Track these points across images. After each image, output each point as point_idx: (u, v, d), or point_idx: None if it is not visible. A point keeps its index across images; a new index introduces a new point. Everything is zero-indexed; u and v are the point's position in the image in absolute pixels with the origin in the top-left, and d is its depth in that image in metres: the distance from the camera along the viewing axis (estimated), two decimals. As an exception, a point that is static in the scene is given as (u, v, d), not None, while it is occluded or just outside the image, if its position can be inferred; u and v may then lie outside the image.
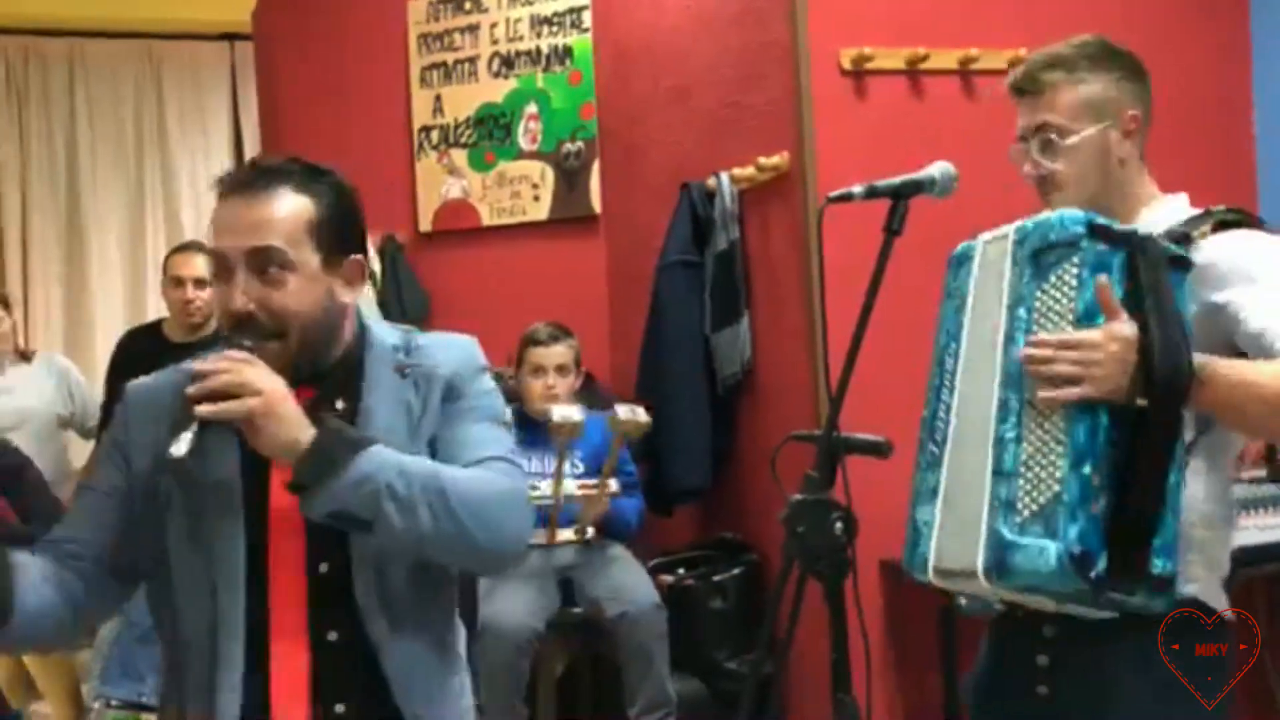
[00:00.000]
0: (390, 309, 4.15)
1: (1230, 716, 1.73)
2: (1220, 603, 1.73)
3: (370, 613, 1.53)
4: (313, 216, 1.54)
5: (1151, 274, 1.54)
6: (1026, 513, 1.51)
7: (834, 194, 1.68)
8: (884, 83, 3.16)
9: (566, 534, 3.45)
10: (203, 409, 1.41)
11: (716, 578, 3.50)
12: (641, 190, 4.06)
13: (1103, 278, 1.52)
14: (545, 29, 4.27)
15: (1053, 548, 1.47)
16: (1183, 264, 1.59)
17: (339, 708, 1.53)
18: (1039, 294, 1.57)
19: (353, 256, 1.59)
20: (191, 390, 1.42)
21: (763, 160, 3.30)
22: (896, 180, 1.69)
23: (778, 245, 3.39)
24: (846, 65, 3.12)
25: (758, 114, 3.41)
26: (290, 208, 1.52)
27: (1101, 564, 1.48)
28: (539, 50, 4.27)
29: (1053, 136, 1.76)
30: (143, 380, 1.66)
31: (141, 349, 3.94)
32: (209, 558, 1.52)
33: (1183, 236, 1.70)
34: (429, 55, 4.33)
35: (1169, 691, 1.64)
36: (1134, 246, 1.55)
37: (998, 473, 1.55)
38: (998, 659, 1.83)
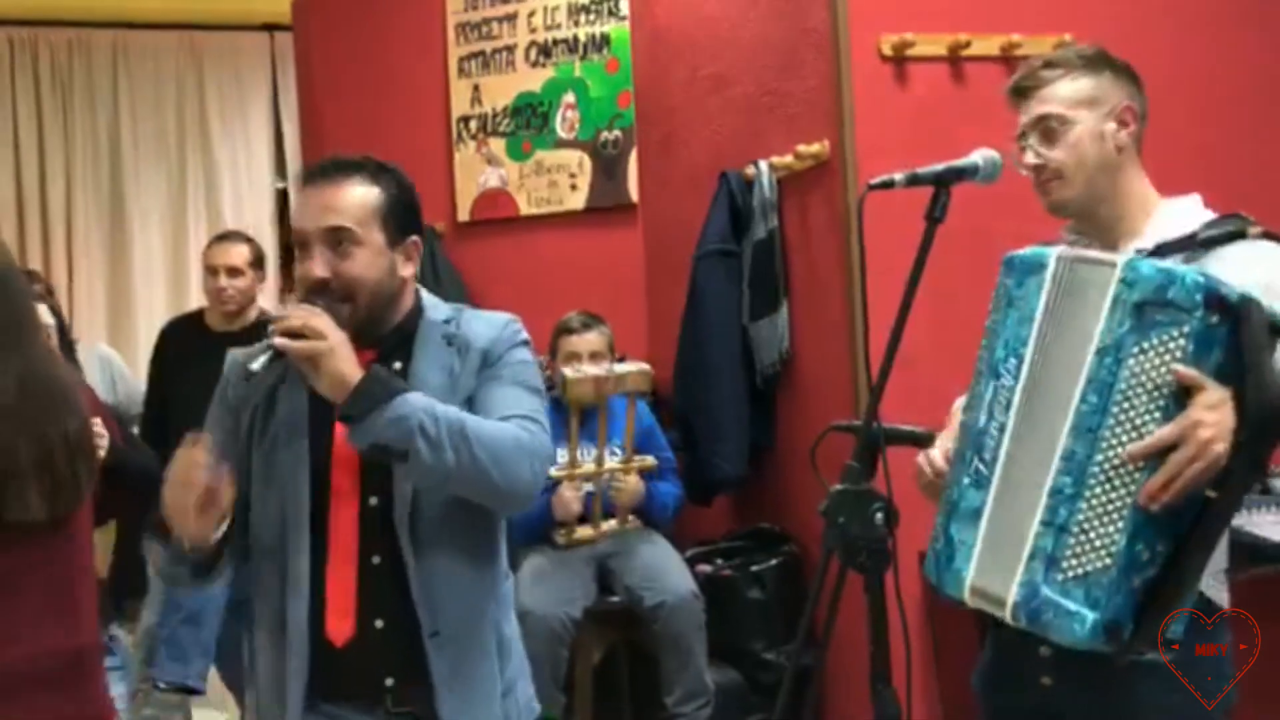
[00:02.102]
0: (428, 298, 4.17)
1: (1233, 710, 1.75)
2: (1221, 596, 1.77)
3: (404, 540, 1.77)
4: (379, 203, 1.82)
5: (1255, 346, 1.51)
6: (1071, 574, 1.53)
7: (875, 181, 1.66)
8: (925, 69, 3.12)
9: (611, 524, 3.45)
10: (279, 340, 1.69)
11: (754, 568, 3.48)
12: (679, 179, 4.05)
13: (1182, 369, 1.49)
14: (582, 17, 4.26)
15: (1090, 617, 1.51)
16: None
17: (378, 622, 1.79)
18: (1136, 351, 1.52)
19: (411, 237, 1.87)
20: (274, 325, 1.71)
21: (802, 148, 3.28)
22: (939, 167, 1.68)
23: (817, 234, 3.37)
24: (887, 52, 3.09)
25: (797, 102, 3.38)
26: (361, 195, 1.81)
27: (1127, 633, 1.52)
28: (576, 39, 4.27)
29: (1053, 125, 1.84)
30: (239, 350, 1.90)
31: (183, 338, 3.97)
32: (280, 490, 1.81)
33: (1238, 234, 1.73)
34: (467, 45, 4.34)
35: (1170, 683, 1.66)
36: (1242, 315, 1.51)
37: (1047, 523, 1.56)
38: (1002, 650, 1.86)
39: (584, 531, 3.39)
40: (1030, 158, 1.86)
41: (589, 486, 3.38)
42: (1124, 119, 1.86)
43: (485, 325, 1.88)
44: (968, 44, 3.10)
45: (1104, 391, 1.53)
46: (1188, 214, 1.84)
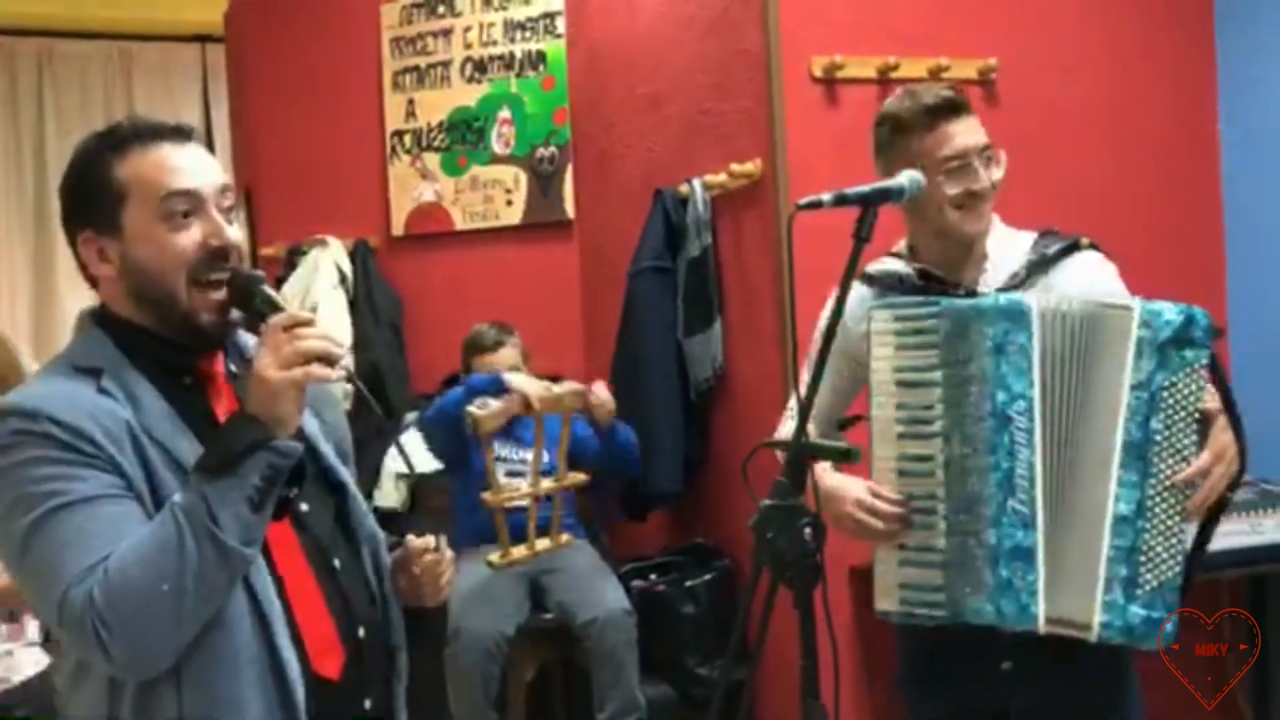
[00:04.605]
0: (362, 312, 4.14)
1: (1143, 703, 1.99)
2: None
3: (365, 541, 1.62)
4: None
5: (1220, 366, 1.79)
6: (1148, 588, 1.74)
7: (803, 201, 1.68)
8: (855, 91, 3.17)
9: (544, 543, 3.43)
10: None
11: (688, 583, 3.50)
12: (615, 196, 4.07)
13: (1208, 402, 1.77)
14: (519, 34, 4.27)
15: (1172, 621, 1.76)
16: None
17: (360, 631, 1.56)
18: (1167, 385, 1.75)
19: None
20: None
21: (735, 167, 3.31)
22: (865, 188, 1.70)
23: (750, 251, 3.40)
24: (818, 73, 3.13)
25: (730, 121, 3.42)
26: None
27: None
28: (512, 55, 4.27)
29: (989, 155, 1.98)
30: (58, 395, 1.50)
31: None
32: None
33: (1074, 247, 1.98)
34: (402, 59, 4.32)
35: (1112, 667, 1.91)
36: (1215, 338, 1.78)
37: (1118, 547, 1.75)
38: (949, 648, 1.90)
39: (519, 552, 3.38)
40: (984, 180, 1.96)
41: (523, 503, 3.37)
42: None
43: None
44: (896, 66, 3.16)
45: (1144, 424, 1.75)
46: (1009, 237, 2.02)
